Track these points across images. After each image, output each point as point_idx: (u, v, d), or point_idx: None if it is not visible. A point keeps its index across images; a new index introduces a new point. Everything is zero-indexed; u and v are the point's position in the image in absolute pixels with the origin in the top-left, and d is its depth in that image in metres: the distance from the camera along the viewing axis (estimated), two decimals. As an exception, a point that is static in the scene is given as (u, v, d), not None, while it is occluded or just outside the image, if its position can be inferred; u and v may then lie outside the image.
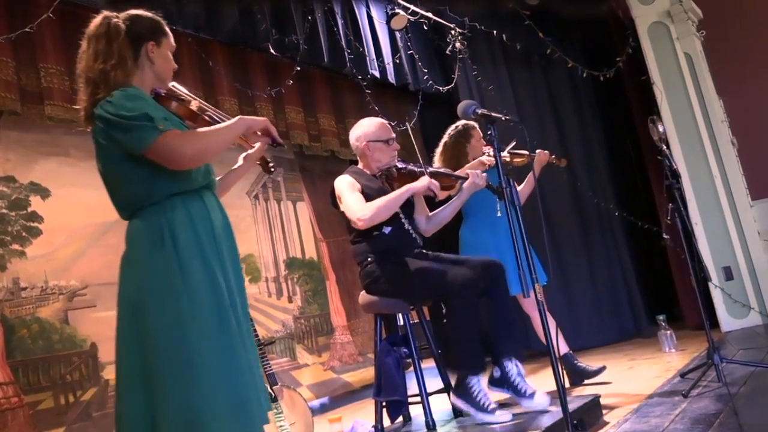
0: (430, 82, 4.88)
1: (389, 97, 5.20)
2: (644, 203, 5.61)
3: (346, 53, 4.29)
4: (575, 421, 2.29)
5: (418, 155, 2.99)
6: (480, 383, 2.48)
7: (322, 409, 4.35)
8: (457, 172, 3.03)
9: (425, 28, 4.83)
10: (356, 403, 4.40)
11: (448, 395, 2.64)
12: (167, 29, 1.82)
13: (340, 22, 4.33)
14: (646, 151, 5.23)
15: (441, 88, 4.96)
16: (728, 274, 4.76)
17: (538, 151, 3.56)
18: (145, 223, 1.62)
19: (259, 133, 1.86)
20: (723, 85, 5.16)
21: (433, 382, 2.72)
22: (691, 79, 4.97)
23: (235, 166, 2.04)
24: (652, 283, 5.60)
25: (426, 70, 4.87)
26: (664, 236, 3.75)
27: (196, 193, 1.70)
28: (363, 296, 2.78)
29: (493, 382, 2.62)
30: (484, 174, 2.88)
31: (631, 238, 5.55)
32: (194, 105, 1.83)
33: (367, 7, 4.66)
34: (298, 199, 5.03)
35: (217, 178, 1.90)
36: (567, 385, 3.30)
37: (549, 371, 2.25)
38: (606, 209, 5.38)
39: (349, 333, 5.02)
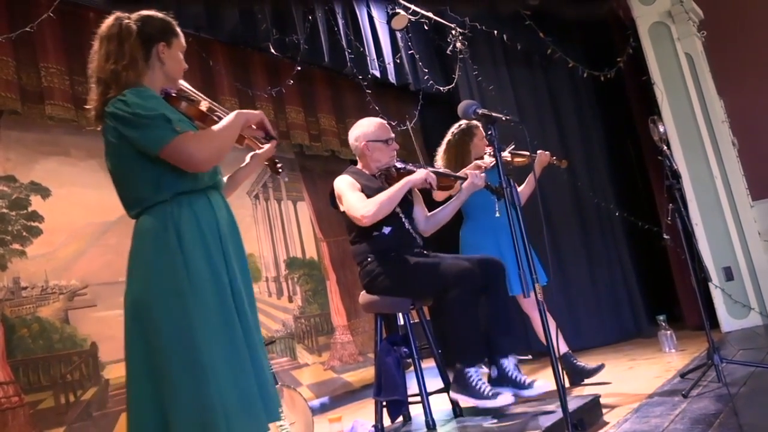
0: (431, 82, 4.88)
1: (390, 97, 5.20)
2: (644, 203, 5.60)
3: (346, 53, 4.28)
4: (575, 421, 2.29)
5: (419, 155, 3.00)
6: (478, 373, 2.48)
7: (322, 408, 4.35)
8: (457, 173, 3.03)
9: (426, 28, 4.83)
10: (356, 403, 4.40)
11: (448, 395, 2.64)
12: (178, 30, 1.83)
13: (340, 21, 4.33)
14: (647, 151, 5.23)
15: (441, 88, 4.96)
16: (728, 274, 4.76)
17: (539, 151, 3.56)
18: (152, 222, 1.63)
19: (254, 127, 1.88)
20: (723, 86, 5.16)
21: (433, 382, 2.72)
22: (691, 79, 4.97)
23: (243, 165, 2.05)
24: (652, 283, 5.60)
25: (426, 70, 4.87)
26: (665, 236, 3.75)
27: (203, 192, 1.71)
28: (363, 296, 2.78)
29: (492, 383, 2.61)
30: (483, 174, 2.89)
31: (632, 239, 5.55)
32: (204, 105, 1.85)
33: (368, 6, 4.66)
34: (298, 199, 5.03)
35: (224, 178, 1.91)
36: (567, 385, 3.30)
37: (549, 371, 2.25)
38: (606, 209, 5.38)
39: (349, 333, 5.02)
